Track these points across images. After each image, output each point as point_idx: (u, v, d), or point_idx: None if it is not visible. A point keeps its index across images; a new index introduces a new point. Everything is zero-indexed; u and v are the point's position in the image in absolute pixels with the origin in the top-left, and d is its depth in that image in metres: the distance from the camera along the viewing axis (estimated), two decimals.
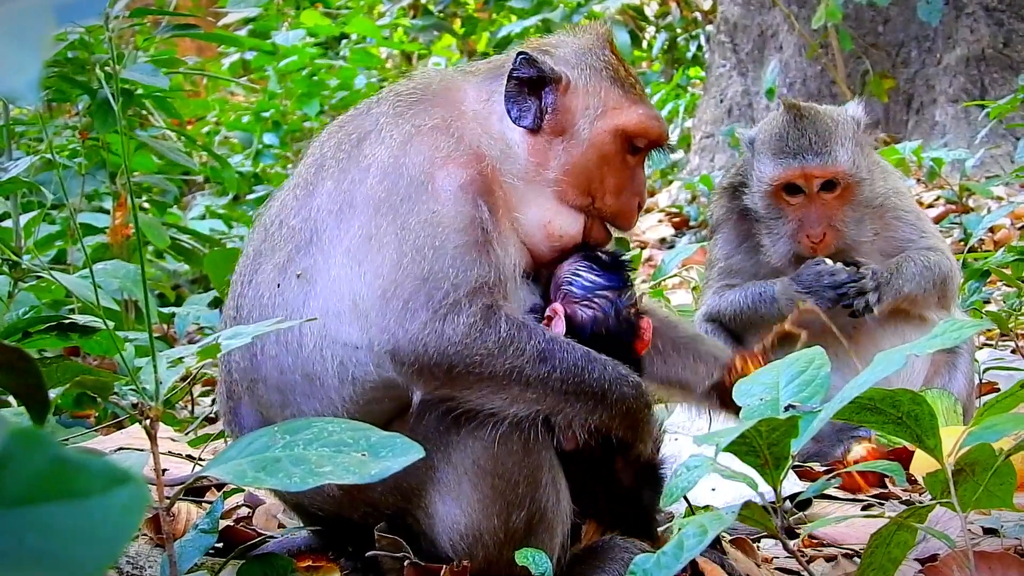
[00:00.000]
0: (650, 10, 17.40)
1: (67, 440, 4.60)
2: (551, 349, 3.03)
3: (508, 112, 3.34)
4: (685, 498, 3.11)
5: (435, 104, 3.32)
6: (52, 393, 3.10)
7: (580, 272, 3.36)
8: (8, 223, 5.99)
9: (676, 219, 11.87)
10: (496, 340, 2.98)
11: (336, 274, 3.13)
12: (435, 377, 2.99)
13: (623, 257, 3.46)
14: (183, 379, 5.17)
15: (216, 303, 7.33)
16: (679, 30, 16.68)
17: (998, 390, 5.25)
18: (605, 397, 3.06)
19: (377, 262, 3.07)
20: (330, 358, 3.12)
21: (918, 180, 9.97)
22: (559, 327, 3.27)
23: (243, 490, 3.85)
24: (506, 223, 3.22)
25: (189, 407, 6.18)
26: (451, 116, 3.28)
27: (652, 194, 12.73)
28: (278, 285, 3.21)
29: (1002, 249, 6.26)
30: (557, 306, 3.32)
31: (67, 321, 4.64)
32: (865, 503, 4.12)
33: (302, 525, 3.45)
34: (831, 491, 4.12)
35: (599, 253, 3.42)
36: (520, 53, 3.36)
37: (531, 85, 3.35)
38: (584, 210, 3.37)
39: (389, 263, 3.05)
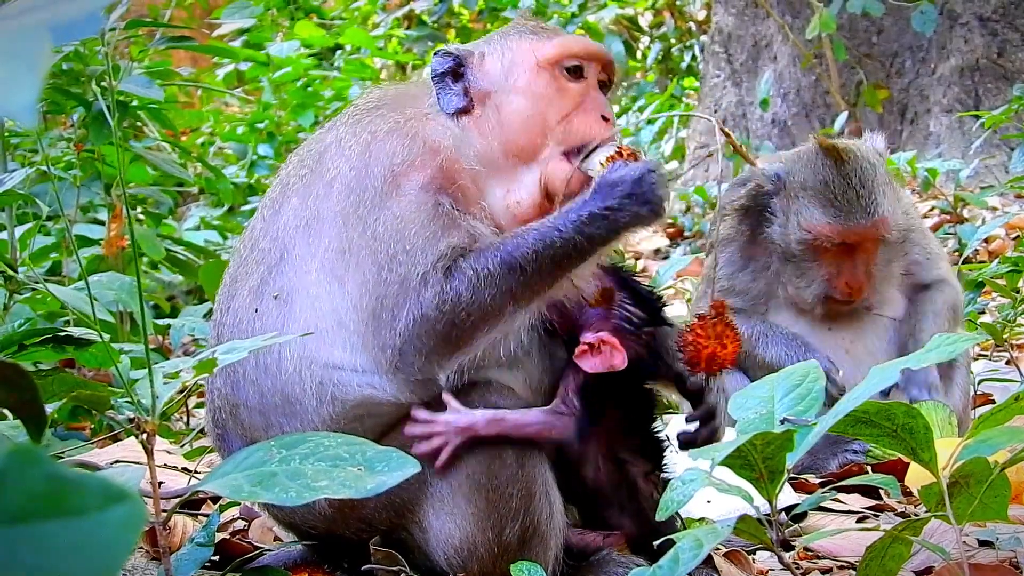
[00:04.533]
0: (644, 20, 17.43)
1: (63, 453, 4.59)
2: (510, 255, 3.02)
3: (442, 106, 3.36)
4: (677, 513, 3.11)
5: (390, 109, 3.35)
6: (48, 407, 3.10)
7: (626, 305, 3.36)
8: (3, 235, 5.98)
9: (671, 230, 11.84)
10: (467, 284, 3.00)
11: (315, 292, 3.14)
12: (442, 354, 3.02)
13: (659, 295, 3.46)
14: (179, 391, 5.16)
15: (211, 314, 7.31)
16: (673, 40, 16.70)
17: (993, 402, 5.25)
18: (582, 248, 3.04)
19: (359, 279, 3.09)
20: (308, 379, 3.11)
21: (912, 190, 9.98)
22: (619, 359, 3.24)
23: (239, 503, 3.85)
24: (476, 211, 3.20)
25: (185, 419, 6.17)
26: (404, 118, 3.30)
27: None
28: (255, 310, 3.21)
29: (997, 260, 6.26)
30: (611, 337, 3.26)
31: (62, 333, 4.62)
32: (860, 515, 4.12)
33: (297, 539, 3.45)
34: (826, 503, 4.12)
35: (638, 287, 3.42)
36: (438, 50, 3.41)
37: (455, 74, 3.38)
38: (538, 158, 3.31)
39: (372, 279, 3.06)
